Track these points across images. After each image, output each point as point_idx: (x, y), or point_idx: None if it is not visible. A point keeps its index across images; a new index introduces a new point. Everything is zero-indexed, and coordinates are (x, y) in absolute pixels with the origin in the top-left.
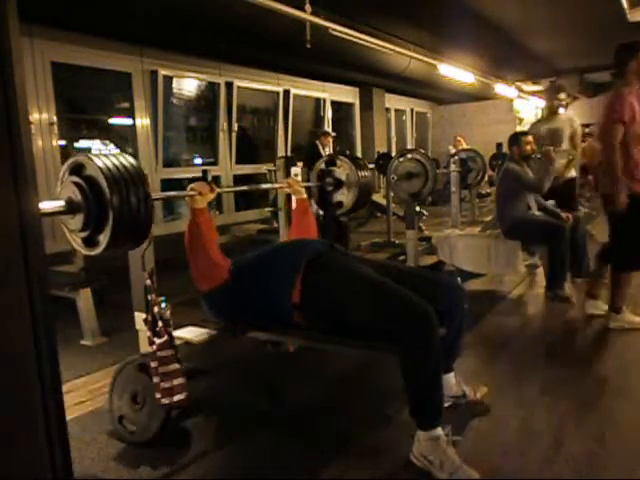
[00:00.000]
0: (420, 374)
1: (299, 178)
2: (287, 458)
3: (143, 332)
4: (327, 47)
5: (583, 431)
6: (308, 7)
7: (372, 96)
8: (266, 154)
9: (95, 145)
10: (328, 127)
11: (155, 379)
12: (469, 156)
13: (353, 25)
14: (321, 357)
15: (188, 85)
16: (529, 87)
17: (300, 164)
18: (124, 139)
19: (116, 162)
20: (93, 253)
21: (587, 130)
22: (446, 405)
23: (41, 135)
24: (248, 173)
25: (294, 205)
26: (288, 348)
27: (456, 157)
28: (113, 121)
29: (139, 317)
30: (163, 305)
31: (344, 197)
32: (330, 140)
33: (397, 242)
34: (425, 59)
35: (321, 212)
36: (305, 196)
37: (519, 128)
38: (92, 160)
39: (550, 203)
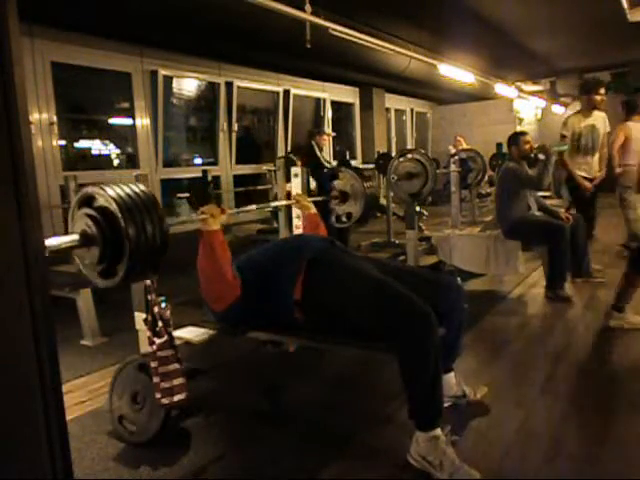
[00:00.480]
0: (419, 375)
1: (299, 178)
2: (287, 458)
3: (143, 332)
4: (327, 47)
5: (583, 431)
6: (308, 7)
7: (372, 96)
8: (269, 154)
9: (95, 145)
10: (328, 127)
11: (155, 379)
12: (469, 156)
13: (353, 25)
14: (321, 357)
15: (188, 85)
16: (529, 87)
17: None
18: (124, 139)
19: (128, 191)
20: (111, 285)
21: None
22: (446, 405)
23: (41, 135)
24: (248, 173)
25: (302, 220)
26: (288, 348)
27: (456, 157)
28: (113, 121)
29: (139, 317)
30: (163, 305)
31: (351, 208)
32: (327, 140)
33: (397, 242)
34: (425, 59)
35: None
36: (314, 210)
37: (519, 128)
38: (104, 190)
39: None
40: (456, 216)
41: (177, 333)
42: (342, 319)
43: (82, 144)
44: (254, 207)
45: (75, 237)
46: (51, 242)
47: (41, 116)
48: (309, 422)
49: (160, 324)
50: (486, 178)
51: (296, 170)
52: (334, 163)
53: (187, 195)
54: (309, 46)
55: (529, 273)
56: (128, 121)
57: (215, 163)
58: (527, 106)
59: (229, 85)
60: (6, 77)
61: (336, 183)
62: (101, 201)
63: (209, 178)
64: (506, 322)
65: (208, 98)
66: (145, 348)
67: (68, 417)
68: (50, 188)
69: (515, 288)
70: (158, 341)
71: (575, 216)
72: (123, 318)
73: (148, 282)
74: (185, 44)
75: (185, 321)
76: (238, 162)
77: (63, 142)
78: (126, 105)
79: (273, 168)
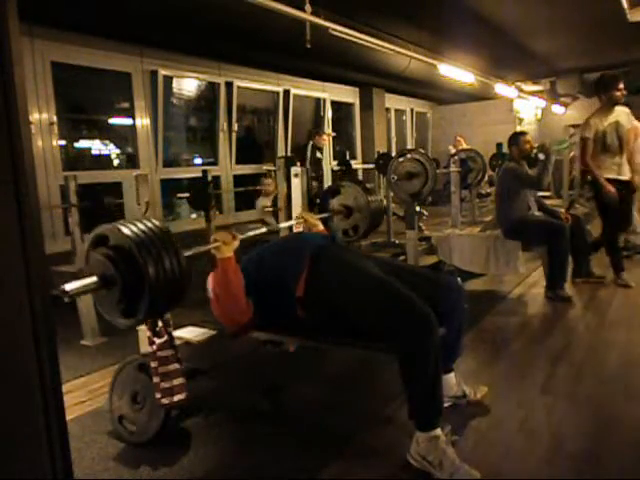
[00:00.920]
0: (419, 375)
1: (299, 179)
2: (287, 458)
3: (143, 332)
4: (327, 47)
5: (583, 431)
6: (308, 7)
7: (372, 96)
8: (269, 154)
9: (95, 145)
10: (328, 127)
11: (155, 379)
12: (469, 156)
13: (353, 25)
14: (321, 357)
15: (188, 85)
16: (529, 87)
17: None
18: (124, 139)
19: (142, 227)
20: (133, 324)
21: None
22: (446, 405)
23: (41, 135)
24: (248, 173)
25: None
26: (288, 348)
27: (456, 157)
28: (113, 121)
29: None
30: None
31: (357, 222)
32: (326, 140)
33: (397, 242)
34: (425, 59)
35: None
36: (322, 227)
37: (519, 128)
38: (119, 229)
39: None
40: (456, 216)
41: (177, 333)
42: (343, 317)
43: (82, 144)
44: (261, 231)
45: (94, 279)
46: (71, 287)
47: (41, 116)
48: (309, 422)
49: (160, 324)
50: (486, 178)
51: (296, 170)
52: (334, 164)
53: (187, 195)
54: (309, 46)
55: (529, 273)
56: (128, 121)
57: (215, 163)
58: (527, 106)
59: (229, 85)
60: (6, 77)
61: (335, 200)
62: (116, 240)
63: (209, 178)
64: (506, 322)
65: (208, 98)
66: (145, 348)
67: (68, 417)
68: (50, 188)
69: (515, 288)
70: (158, 341)
71: (575, 216)
72: None
73: None
74: (185, 44)
75: (185, 321)
76: (238, 162)
77: (63, 142)
78: (126, 105)
79: (273, 168)
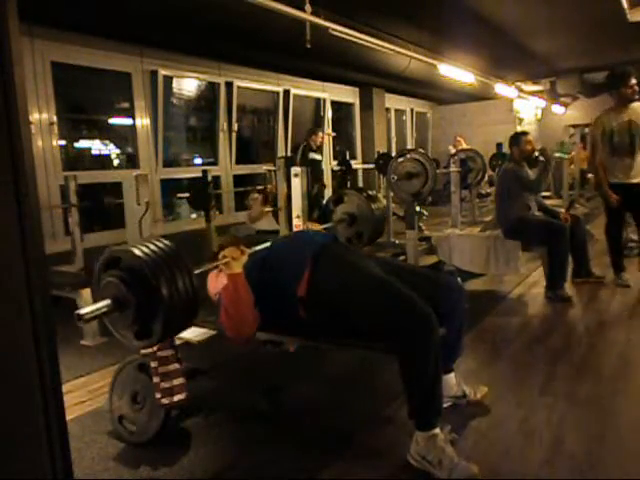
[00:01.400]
0: (419, 375)
1: (299, 179)
2: (287, 458)
3: None
4: (327, 47)
5: (583, 431)
6: (308, 7)
7: (372, 96)
8: (263, 154)
9: (95, 145)
10: (328, 127)
11: (155, 379)
12: (469, 156)
13: (353, 25)
14: (321, 357)
15: (188, 85)
16: (529, 87)
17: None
18: (124, 139)
19: (153, 248)
20: (148, 345)
21: (586, 130)
22: (446, 405)
23: (41, 135)
24: (246, 173)
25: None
26: (288, 348)
27: (456, 157)
28: (113, 121)
29: None
30: None
31: (361, 229)
32: (322, 138)
33: (397, 242)
34: (425, 59)
35: None
36: None
37: (519, 128)
38: (131, 250)
39: None
40: (456, 216)
41: None
42: (344, 317)
43: (82, 144)
44: (268, 243)
45: (107, 302)
46: (85, 311)
47: (41, 116)
48: (309, 422)
49: None
50: (486, 178)
51: (296, 170)
52: (334, 164)
53: (187, 195)
54: (309, 46)
55: (529, 273)
56: (128, 121)
57: (215, 163)
58: (527, 106)
59: (229, 85)
60: (6, 77)
61: (338, 208)
62: (128, 261)
63: (209, 178)
64: (506, 322)
65: (208, 98)
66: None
67: (68, 417)
68: (50, 188)
69: (515, 288)
70: None
71: (575, 216)
72: None
73: None
74: (185, 44)
75: None
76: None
77: (63, 142)
78: (126, 105)
79: (273, 168)
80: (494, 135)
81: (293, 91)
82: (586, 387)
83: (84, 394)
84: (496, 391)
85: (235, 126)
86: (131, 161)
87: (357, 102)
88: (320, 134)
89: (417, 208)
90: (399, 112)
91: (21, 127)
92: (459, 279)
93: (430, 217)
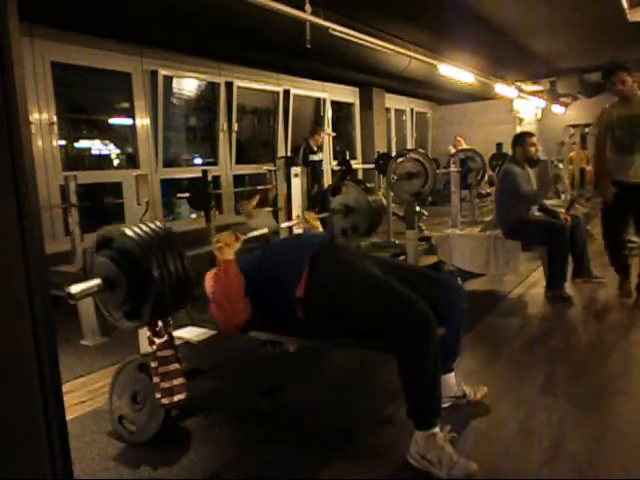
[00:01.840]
0: (418, 374)
1: (299, 179)
2: (287, 458)
3: (143, 332)
4: (327, 47)
5: (583, 431)
6: (308, 7)
7: (372, 96)
8: (255, 155)
9: (95, 145)
10: (328, 127)
11: (155, 379)
12: (469, 156)
13: (353, 25)
14: (321, 357)
15: (188, 85)
16: (529, 87)
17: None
18: (124, 139)
19: (146, 229)
20: (138, 326)
21: (587, 130)
22: (446, 405)
23: (41, 135)
24: (246, 173)
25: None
26: (288, 348)
27: (456, 157)
28: (113, 121)
29: None
30: None
31: (356, 221)
32: (323, 137)
33: (397, 242)
34: (425, 59)
35: None
36: (321, 229)
37: (519, 128)
38: (123, 231)
39: None
40: (456, 216)
41: (177, 333)
42: (343, 317)
43: (82, 144)
44: (264, 231)
45: (98, 281)
46: (75, 289)
47: (41, 116)
48: (309, 422)
49: (160, 324)
50: (486, 178)
51: (296, 170)
52: (334, 164)
53: (187, 195)
54: (309, 46)
55: (529, 273)
56: (128, 121)
57: (215, 163)
58: (527, 106)
59: (229, 85)
60: (6, 77)
61: (335, 199)
62: (120, 242)
63: (209, 178)
64: (506, 322)
65: (208, 98)
66: (145, 348)
67: (68, 417)
68: (50, 188)
69: (515, 288)
70: (158, 341)
71: (575, 216)
72: None
73: None
74: (185, 44)
75: (185, 321)
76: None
77: (63, 142)
78: (126, 105)
79: (273, 168)
80: (494, 135)
81: (293, 91)
82: (586, 387)
83: (84, 394)
84: (496, 391)
85: (235, 126)
86: (131, 161)
87: (357, 102)
88: (321, 134)
89: (417, 208)
90: (399, 112)
91: (21, 127)
92: (459, 279)
93: (430, 217)
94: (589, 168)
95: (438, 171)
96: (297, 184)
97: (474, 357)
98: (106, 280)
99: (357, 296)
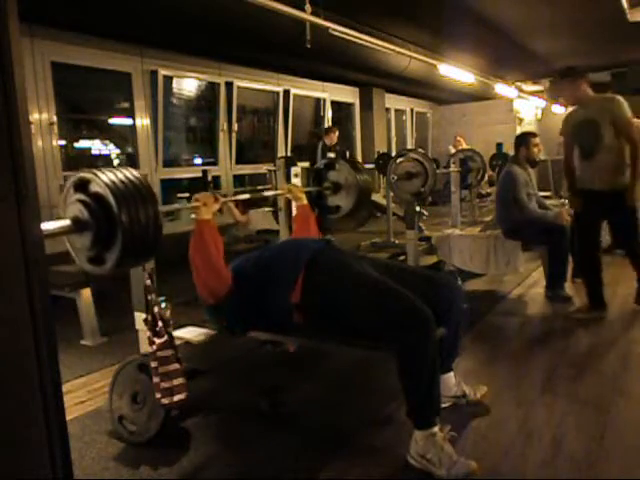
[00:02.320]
0: (417, 375)
1: (299, 179)
2: (287, 458)
3: (143, 332)
4: (327, 47)
5: (583, 431)
6: (308, 7)
7: (372, 96)
8: (255, 155)
9: (95, 145)
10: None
11: (155, 379)
12: (469, 156)
13: (353, 25)
14: (321, 357)
15: (188, 85)
16: (529, 87)
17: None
18: (124, 139)
19: (122, 177)
20: (100, 272)
21: None
22: (446, 405)
23: (41, 135)
24: (246, 173)
25: (294, 211)
26: (288, 348)
27: (456, 157)
28: (113, 121)
29: (139, 317)
30: (163, 305)
31: (342, 201)
32: (335, 136)
33: (397, 242)
34: (425, 59)
35: None
36: (306, 202)
37: (519, 128)
38: (98, 176)
39: None
40: (456, 216)
41: (177, 333)
42: (341, 320)
43: (82, 144)
44: (247, 196)
45: (67, 222)
46: (46, 227)
47: (41, 116)
48: (309, 422)
49: (160, 324)
50: (486, 178)
51: (296, 170)
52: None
53: (187, 195)
54: (309, 46)
55: (529, 273)
56: (128, 121)
57: (215, 163)
58: (527, 106)
59: (229, 85)
60: (6, 77)
61: (330, 174)
62: (95, 187)
63: (209, 178)
64: (506, 322)
65: (208, 98)
66: (145, 348)
67: (68, 417)
68: (50, 188)
69: (515, 288)
70: (158, 341)
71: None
72: (123, 318)
73: (148, 282)
74: (185, 44)
75: (185, 321)
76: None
77: (63, 142)
78: (126, 105)
79: (273, 168)
80: (494, 135)
81: (293, 91)
82: (586, 387)
83: (84, 394)
84: (496, 391)
85: (235, 126)
86: (131, 161)
87: (357, 102)
88: (336, 132)
89: (417, 208)
90: (399, 112)
91: (21, 127)
92: (459, 279)
93: (430, 217)
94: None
95: (438, 171)
96: (297, 184)
97: (474, 357)
98: (76, 222)
99: (356, 298)
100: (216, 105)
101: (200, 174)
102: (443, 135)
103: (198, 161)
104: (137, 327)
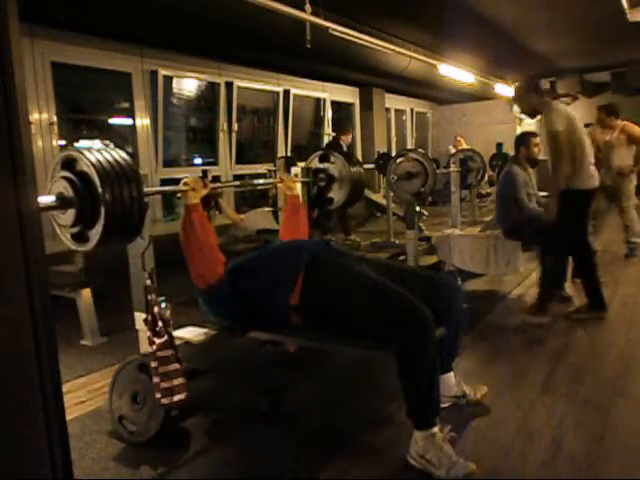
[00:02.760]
0: (416, 375)
1: (299, 179)
2: (287, 458)
3: (143, 332)
4: (327, 47)
5: (583, 431)
6: (308, 7)
7: (372, 96)
8: (255, 155)
9: (95, 145)
10: (328, 127)
11: (155, 379)
12: (469, 156)
13: (353, 25)
14: (321, 357)
15: (188, 85)
16: None
17: (301, 165)
18: (124, 139)
19: (108, 157)
20: (83, 249)
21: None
22: (446, 405)
23: (41, 135)
24: (246, 173)
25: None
26: (288, 348)
27: (456, 157)
28: (113, 121)
29: (139, 317)
30: (163, 305)
31: (335, 194)
32: (350, 136)
33: (397, 242)
34: (425, 59)
35: None
36: (297, 192)
37: (519, 128)
38: (84, 155)
39: None
40: (456, 216)
41: (177, 333)
42: (341, 321)
43: (82, 144)
44: (236, 183)
45: (52, 199)
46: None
47: (41, 116)
48: (309, 422)
49: (160, 324)
50: (486, 178)
51: (296, 170)
52: None
53: None
54: (309, 46)
55: (529, 273)
56: (128, 121)
57: (215, 163)
58: None
59: (229, 85)
60: (6, 77)
61: (325, 166)
62: (81, 165)
63: (209, 178)
64: (506, 322)
65: (208, 98)
66: (145, 348)
67: (68, 417)
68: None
69: (515, 288)
70: (158, 341)
71: None
72: (123, 318)
73: (148, 282)
74: (185, 44)
75: (185, 321)
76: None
77: (63, 142)
78: (126, 105)
79: (273, 168)
80: (494, 135)
81: (293, 91)
82: (586, 387)
83: (84, 394)
84: (496, 391)
85: (235, 126)
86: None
87: (357, 102)
88: (350, 133)
89: (417, 208)
90: (399, 112)
91: (21, 127)
92: (459, 279)
93: (430, 217)
94: None
95: (438, 171)
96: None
97: (474, 357)
98: (60, 199)
99: (355, 299)
100: (216, 105)
101: (200, 174)
102: (443, 135)
103: (198, 161)
104: (137, 327)
